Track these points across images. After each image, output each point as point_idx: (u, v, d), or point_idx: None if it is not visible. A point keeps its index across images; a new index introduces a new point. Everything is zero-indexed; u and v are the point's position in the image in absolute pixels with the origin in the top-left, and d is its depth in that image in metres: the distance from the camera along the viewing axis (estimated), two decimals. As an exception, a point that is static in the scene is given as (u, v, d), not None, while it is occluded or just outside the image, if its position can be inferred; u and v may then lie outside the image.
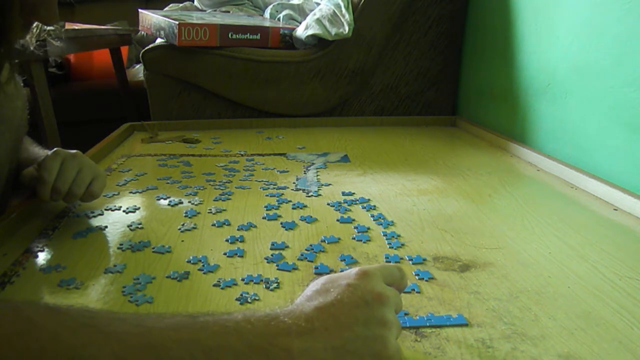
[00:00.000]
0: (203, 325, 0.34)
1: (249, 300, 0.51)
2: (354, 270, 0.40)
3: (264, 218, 0.73)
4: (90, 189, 0.69)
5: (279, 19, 1.52)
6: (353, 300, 0.37)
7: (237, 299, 0.52)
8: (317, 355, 0.34)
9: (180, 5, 1.71)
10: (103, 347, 0.31)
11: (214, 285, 0.54)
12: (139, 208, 0.77)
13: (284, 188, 0.86)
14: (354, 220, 0.73)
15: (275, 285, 0.54)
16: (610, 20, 0.87)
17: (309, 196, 0.82)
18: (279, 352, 0.33)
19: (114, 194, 0.82)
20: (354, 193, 0.83)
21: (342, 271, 0.42)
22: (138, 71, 2.20)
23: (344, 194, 0.83)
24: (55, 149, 0.69)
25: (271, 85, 1.34)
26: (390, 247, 0.64)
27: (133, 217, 0.73)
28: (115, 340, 0.31)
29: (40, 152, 0.78)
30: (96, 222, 0.72)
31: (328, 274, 0.56)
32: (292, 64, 1.33)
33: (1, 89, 0.54)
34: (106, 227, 0.70)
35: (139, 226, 0.70)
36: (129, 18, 2.32)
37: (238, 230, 0.69)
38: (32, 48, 0.56)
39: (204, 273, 0.57)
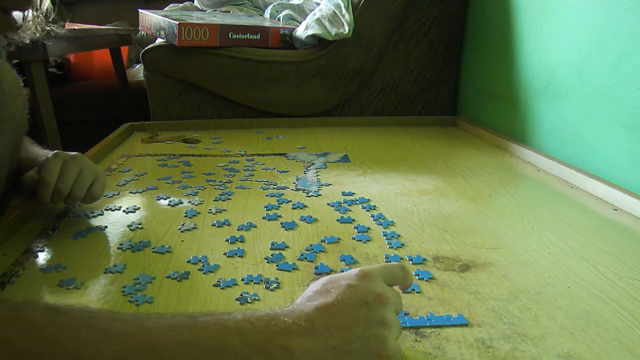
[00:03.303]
0: (203, 326, 0.34)
1: (249, 300, 0.51)
2: (354, 270, 0.40)
3: (264, 218, 0.73)
4: (91, 190, 0.70)
5: (279, 19, 1.52)
6: (353, 300, 0.37)
7: (237, 299, 0.52)
8: (317, 355, 0.34)
9: (180, 5, 1.71)
10: (103, 347, 0.31)
11: (214, 285, 0.54)
12: (139, 208, 0.77)
13: (284, 188, 0.86)
14: (354, 220, 0.73)
15: (275, 285, 0.54)
16: (610, 20, 0.87)
17: (309, 196, 0.82)
18: (279, 352, 0.33)
19: (114, 194, 0.82)
20: (354, 193, 0.83)
21: (342, 271, 0.42)
22: (138, 71, 2.20)
23: (344, 194, 0.83)
24: (55, 151, 0.69)
25: (271, 85, 1.34)
26: (390, 247, 0.64)
27: (133, 217, 0.73)
28: (115, 341, 0.31)
29: (40, 152, 0.78)
30: (96, 222, 0.72)
31: (328, 274, 0.57)
32: (292, 64, 1.33)
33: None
34: (106, 227, 0.70)
35: (139, 226, 0.70)
36: (129, 18, 2.32)
37: (238, 230, 0.69)
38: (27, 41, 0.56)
39: (204, 273, 0.57)
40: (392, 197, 0.82)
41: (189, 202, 0.79)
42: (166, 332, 0.33)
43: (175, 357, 0.32)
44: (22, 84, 0.74)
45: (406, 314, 0.49)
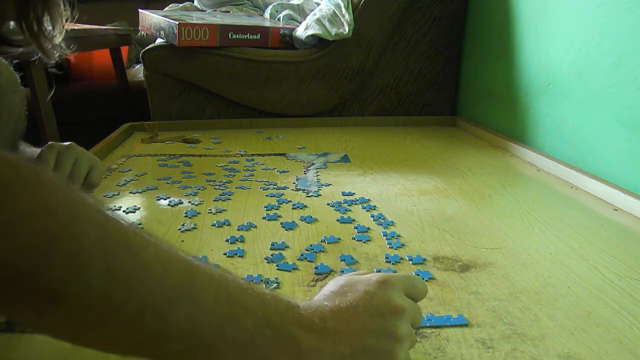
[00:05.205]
0: (233, 279, 0.34)
1: (249, 300, 0.51)
2: (375, 276, 0.38)
3: (264, 218, 0.73)
4: (88, 179, 0.69)
5: (279, 19, 1.52)
6: (368, 309, 0.36)
7: (237, 299, 0.52)
8: (323, 357, 0.34)
9: (180, 5, 1.71)
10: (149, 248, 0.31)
11: (214, 285, 0.54)
12: (139, 208, 0.77)
13: (284, 188, 0.86)
14: (354, 220, 0.73)
15: (275, 285, 0.54)
16: (610, 20, 0.87)
17: (309, 196, 0.82)
18: (289, 339, 0.33)
19: (114, 194, 0.82)
20: (354, 193, 0.83)
21: (342, 272, 0.41)
22: (138, 71, 2.20)
23: (344, 194, 0.83)
24: (49, 142, 0.69)
25: (271, 85, 1.34)
26: (390, 247, 0.64)
27: (133, 217, 0.73)
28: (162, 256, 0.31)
29: (34, 150, 0.77)
30: (96, 222, 0.71)
31: (328, 274, 0.57)
32: (292, 64, 1.33)
33: None
34: (106, 227, 0.70)
35: (139, 226, 0.70)
36: (129, 18, 2.32)
37: (238, 230, 0.69)
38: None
39: (204, 273, 0.57)
40: (392, 197, 0.82)
41: (189, 202, 0.79)
42: (200, 264, 0.33)
43: (203, 284, 0.31)
44: (20, 81, 0.74)
45: (406, 314, 0.49)
